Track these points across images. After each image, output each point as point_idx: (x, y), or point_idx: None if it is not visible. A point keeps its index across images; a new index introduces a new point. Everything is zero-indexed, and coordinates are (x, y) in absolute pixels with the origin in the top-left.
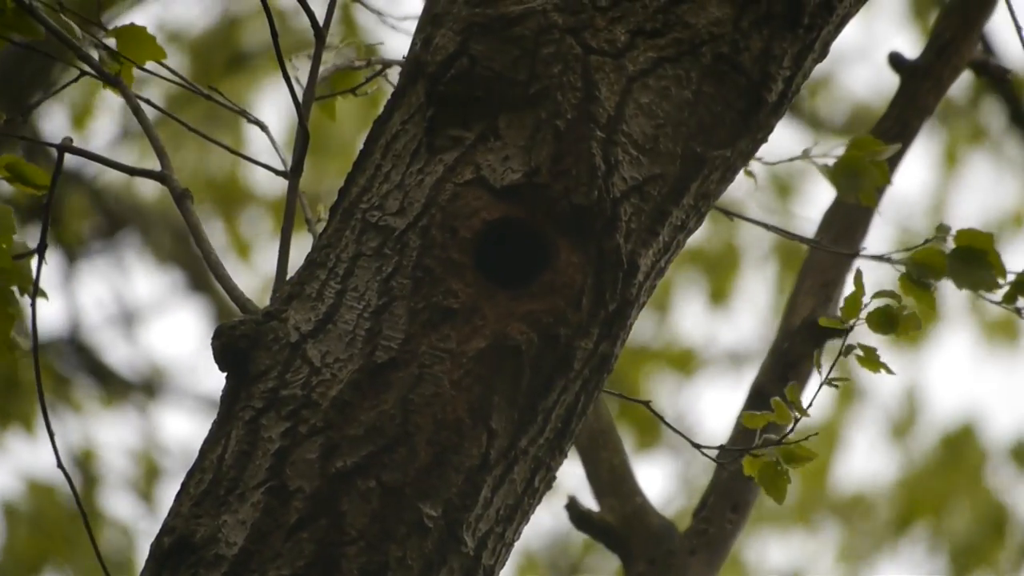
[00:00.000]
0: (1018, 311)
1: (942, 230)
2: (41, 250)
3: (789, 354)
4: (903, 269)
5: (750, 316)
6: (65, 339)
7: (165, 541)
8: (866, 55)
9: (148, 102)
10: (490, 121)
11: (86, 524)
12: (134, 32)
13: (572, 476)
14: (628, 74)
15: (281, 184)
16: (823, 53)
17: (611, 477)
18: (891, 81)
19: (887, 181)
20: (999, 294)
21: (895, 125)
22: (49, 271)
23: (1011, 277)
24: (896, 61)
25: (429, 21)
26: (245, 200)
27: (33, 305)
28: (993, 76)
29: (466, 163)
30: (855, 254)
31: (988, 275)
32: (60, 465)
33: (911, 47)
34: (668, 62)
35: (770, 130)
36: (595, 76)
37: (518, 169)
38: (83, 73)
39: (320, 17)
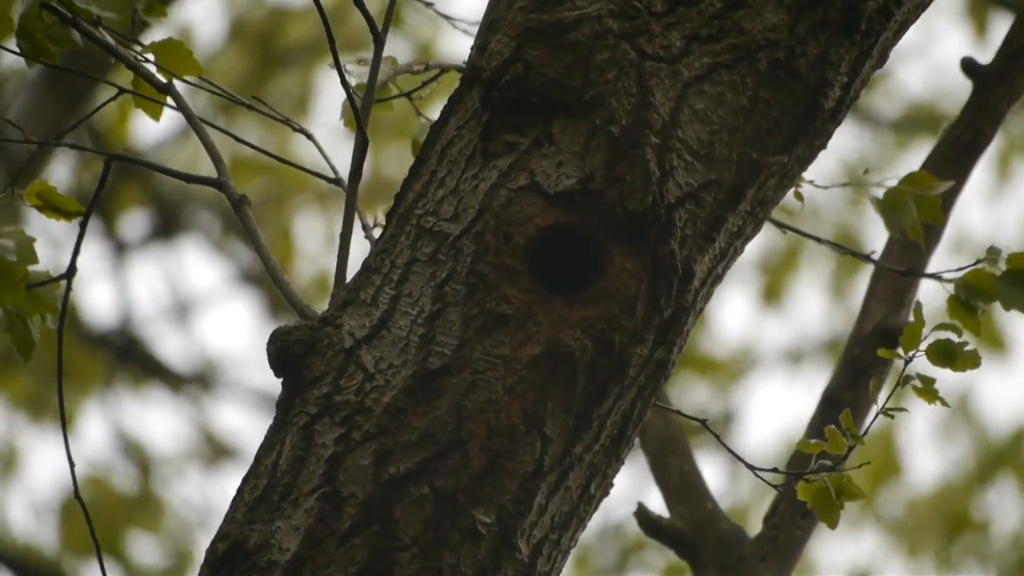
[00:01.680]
0: None
1: (993, 252)
2: (69, 275)
3: (860, 361)
4: (952, 290)
5: (807, 313)
6: (117, 331)
7: (219, 547)
8: (923, 52)
9: (210, 124)
10: (545, 127)
11: (96, 548)
12: (173, 47)
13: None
14: (683, 80)
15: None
16: (882, 59)
17: (681, 483)
18: (950, 79)
19: (939, 219)
20: None
21: (967, 131)
22: (100, 262)
23: None
24: (969, 66)
25: (486, 27)
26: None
27: (60, 331)
28: None
29: (520, 169)
30: (907, 272)
31: None
32: (77, 496)
33: (966, 44)
34: (724, 68)
35: (828, 137)
36: (650, 82)
37: (572, 175)
38: (120, 91)
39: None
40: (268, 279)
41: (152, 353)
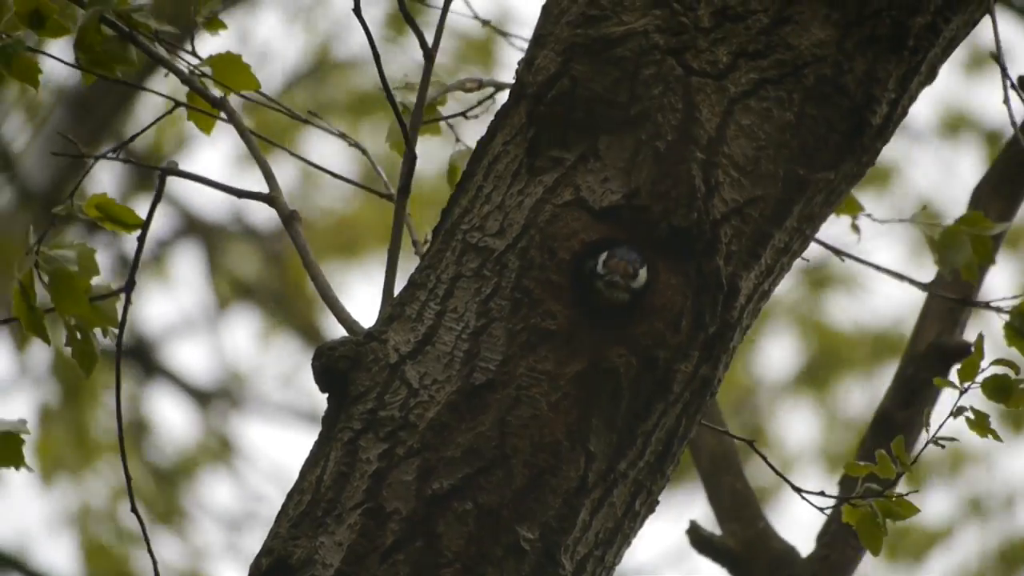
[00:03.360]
0: None
1: None
2: (128, 288)
3: (914, 380)
4: (1007, 318)
5: None
6: (139, 345)
7: (263, 562)
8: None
9: (263, 137)
10: (590, 142)
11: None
12: (229, 60)
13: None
14: (730, 95)
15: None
16: (931, 76)
17: (733, 501)
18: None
19: (990, 260)
20: None
21: None
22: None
23: None
24: None
25: (533, 42)
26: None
27: (119, 346)
28: None
29: (566, 184)
30: (962, 301)
31: None
32: (133, 508)
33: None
34: (770, 83)
35: (876, 154)
36: (696, 97)
37: (617, 190)
38: (176, 104)
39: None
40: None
41: (178, 369)
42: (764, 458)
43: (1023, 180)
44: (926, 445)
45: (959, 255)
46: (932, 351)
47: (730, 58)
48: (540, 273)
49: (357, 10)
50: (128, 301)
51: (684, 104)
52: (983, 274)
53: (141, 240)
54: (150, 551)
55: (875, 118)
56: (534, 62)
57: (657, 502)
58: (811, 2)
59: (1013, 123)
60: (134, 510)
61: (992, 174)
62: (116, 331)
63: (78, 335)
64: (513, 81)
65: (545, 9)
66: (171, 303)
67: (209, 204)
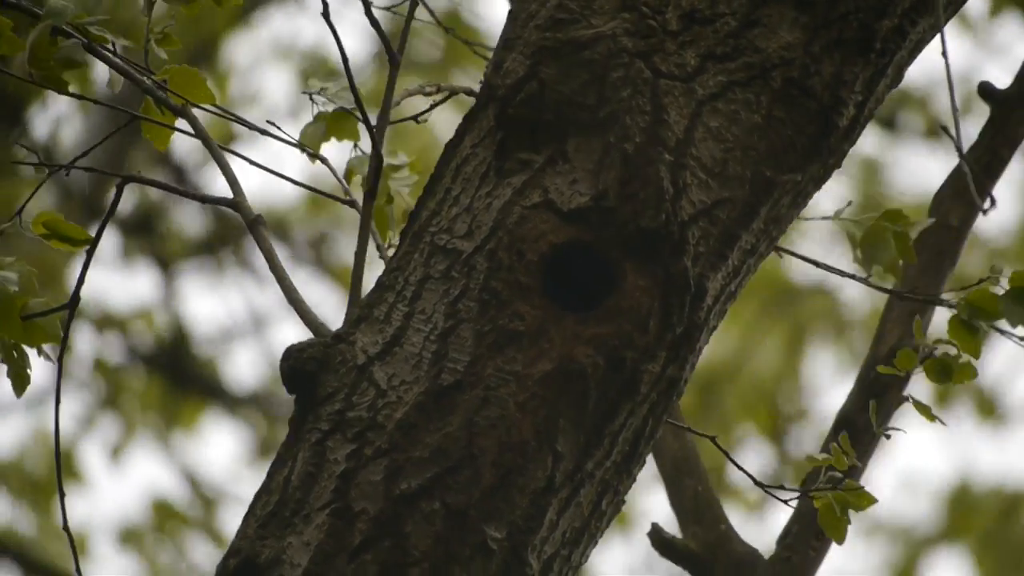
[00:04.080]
0: None
1: (995, 271)
2: (72, 305)
3: (876, 383)
4: (955, 311)
5: None
6: (171, 354)
7: (231, 563)
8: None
9: (226, 148)
10: (559, 144)
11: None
12: (186, 74)
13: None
14: (698, 98)
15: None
16: (897, 78)
17: (695, 504)
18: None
19: (911, 259)
20: None
21: (985, 154)
22: (150, 286)
23: None
24: (986, 91)
25: (500, 45)
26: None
27: (60, 360)
28: None
29: (534, 186)
30: (910, 296)
31: None
32: (66, 527)
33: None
34: (738, 86)
35: (843, 155)
36: (664, 100)
37: (586, 192)
38: (132, 117)
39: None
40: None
41: (209, 375)
42: (726, 454)
43: (986, 185)
44: (876, 439)
45: (882, 253)
46: (893, 355)
47: (698, 61)
48: (508, 275)
49: (326, 15)
50: (71, 317)
51: (652, 106)
52: (949, 261)
53: (89, 254)
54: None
55: (842, 120)
56: (502, 65)
57: (623, 502)
58: (779, 5)
59: (959, 149)
60: (66, 528)
61: (953, 178)
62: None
63: (14, 354)
64: (473, 86)
65: (512, 14)
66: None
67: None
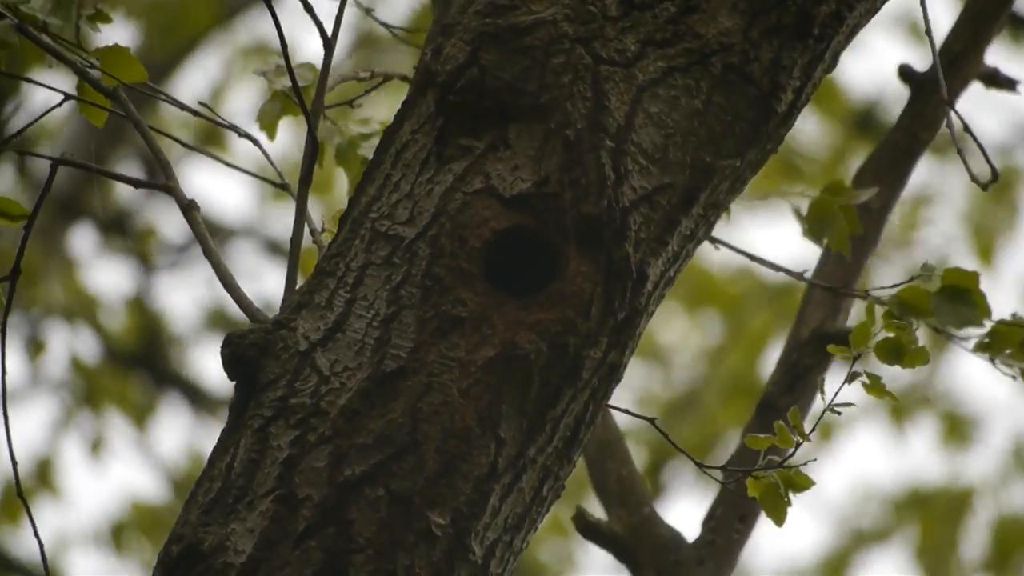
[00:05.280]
0: (992, 360)
1: (927, 268)
2: (14, 277)
3: (798, 366)
4: (886, 306)
5: None
6: (145, 354)
7: (173, 549)
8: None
9: (157, 130)
10: (500, 131)
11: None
12: (118, 53)
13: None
14: (638, 84)
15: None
16: (833, 63)
17: (619, 487)
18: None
19: (857, 229)
20: (973, 342)
21: (905, 136)
22: (126, 284)
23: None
24: (906, 73)
25: (439, 31)
26: None
27: (3, 332)
28: (1003, 87)
29: (476, 172)
30: (841, 291)
31: (972, 314)
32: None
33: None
34: (678, 72)
35: (780, 140)
36: (605, 86)
37: (528, 178)
38: (65, 96)
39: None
40: None
41: (186, 375)
42: (666, 436)
43: (905, 168)
44: (823, 412)
45: (830, 227)
46: (815, 338)
47: (638, 47)
48: (451, 261)
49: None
50: (12, 289)
51: (593, 93)
52: (869, 246)
53: (27, 228)
54: (37, 536)
55: (780, 105)
56: (442, 51)
57: (563, 487)
58: None
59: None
60: (20, 496)
61: (873, 161)
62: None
63: None
64: (410, 71)
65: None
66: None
67: None
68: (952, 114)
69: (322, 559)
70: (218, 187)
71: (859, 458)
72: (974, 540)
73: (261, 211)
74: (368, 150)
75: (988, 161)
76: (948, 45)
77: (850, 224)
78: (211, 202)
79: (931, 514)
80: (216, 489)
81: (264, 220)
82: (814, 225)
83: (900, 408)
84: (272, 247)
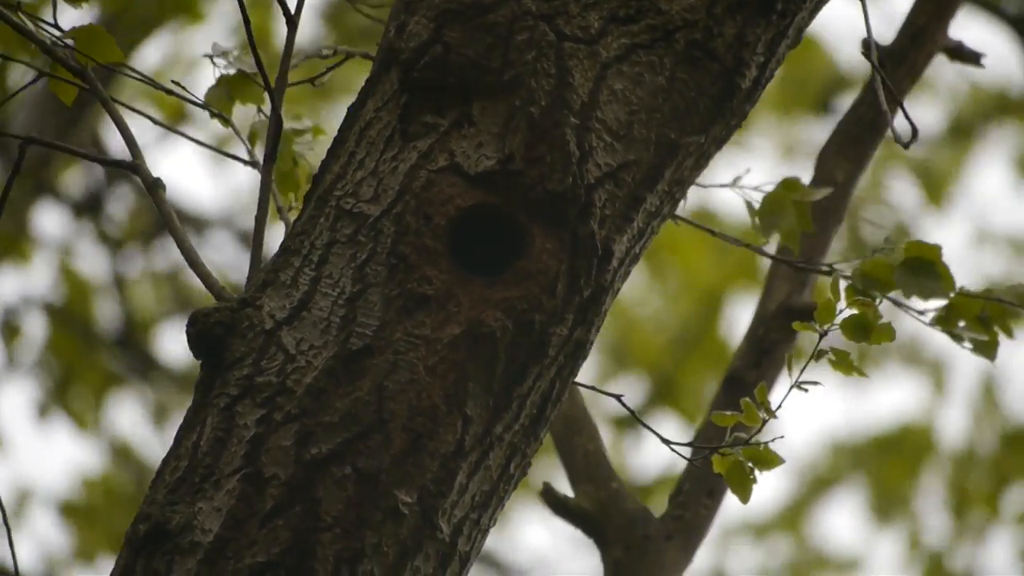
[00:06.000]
0: (952, 335)
1: (889, 242)
2: None
3: (764, 340)
4: (850, 280)
5: None
6: (119, 337)
7: (140, 528)
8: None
9: (126, 105)
10: (464, 108)
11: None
12: (93, 32)
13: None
14: (602, 60)
15: None
16: (797, 39)
17: (586, 463)
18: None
19: (808, 227)
20: (932, 315)
21: (869, 111)
22: (99, 268)
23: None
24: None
25: (403, 8)
26: None
27: None
28: (967, 61)
29: (440, 150)
30: (804, 267)
31: (936, 285)
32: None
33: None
34: (642, 48)
35: (743, 116)
36: (569, 63)
37: (492, 156)
38: (39, 74)
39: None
40: None
41: (156, 358)
42: (632, 412)
43: (869, 142)
44: (790, 389)
45: (781, 221)
46: (781, 312)
47: (601, 23)
48: (416, 239)
49: None
50: None
51: (557, 69)
52: (834, 225)
53: (0, 205)
54: (11, 544)
55: (744, 82)
56: (405, 28)
57: (529, 464)
58: None
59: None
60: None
61: (837, 136)
62: None
63: None
64: (374, 49)
65: None
66: None
67: None
68: (876, 75)
69: (289, 538)
70: (191, 177)
71: (821, 405)
72: (934, 483)
73: (236, 202)
74: (302, 145)
75: (908, 119)
76: (912, 19)
77: (801, 221)
78: (185, 193)
79: (891, 459)
80: (183, 468)
81: (240, 212)
82: (765, 219)
83: (864, 352)
84: (247, 239)
